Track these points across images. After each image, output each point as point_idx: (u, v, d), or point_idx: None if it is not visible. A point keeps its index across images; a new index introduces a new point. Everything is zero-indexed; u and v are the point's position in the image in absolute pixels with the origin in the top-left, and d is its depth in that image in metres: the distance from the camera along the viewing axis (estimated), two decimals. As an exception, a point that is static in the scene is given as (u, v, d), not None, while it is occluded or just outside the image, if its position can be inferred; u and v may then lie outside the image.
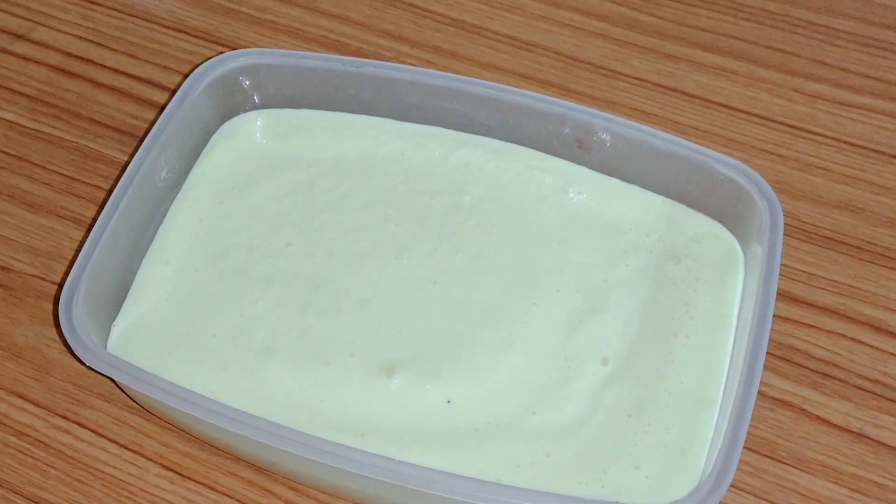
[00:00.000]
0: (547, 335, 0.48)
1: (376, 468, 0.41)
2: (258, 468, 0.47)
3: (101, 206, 0.47)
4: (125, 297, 0.49)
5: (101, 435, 0.48)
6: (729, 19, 0.63)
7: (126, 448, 0.48)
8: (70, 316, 0.44)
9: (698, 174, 0.50)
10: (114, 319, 0.48)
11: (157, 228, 0.50)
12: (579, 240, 0.51)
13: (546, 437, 0.45)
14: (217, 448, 0.47)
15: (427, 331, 0.48)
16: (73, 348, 0.43)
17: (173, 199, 0.51)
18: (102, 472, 0.47)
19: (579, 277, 0.49)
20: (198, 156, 0.53)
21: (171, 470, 0.47)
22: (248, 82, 0.53)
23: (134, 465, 0.47)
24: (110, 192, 0.48)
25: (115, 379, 0.44)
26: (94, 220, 0.47)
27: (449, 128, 0.54)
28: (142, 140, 0.50)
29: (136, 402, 0.48)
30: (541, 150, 0.53)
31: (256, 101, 0.54)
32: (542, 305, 0.49)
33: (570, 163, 0.53)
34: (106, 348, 0.47)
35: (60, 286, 0.45)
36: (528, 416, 0.46)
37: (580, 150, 0.52)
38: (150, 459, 0.47)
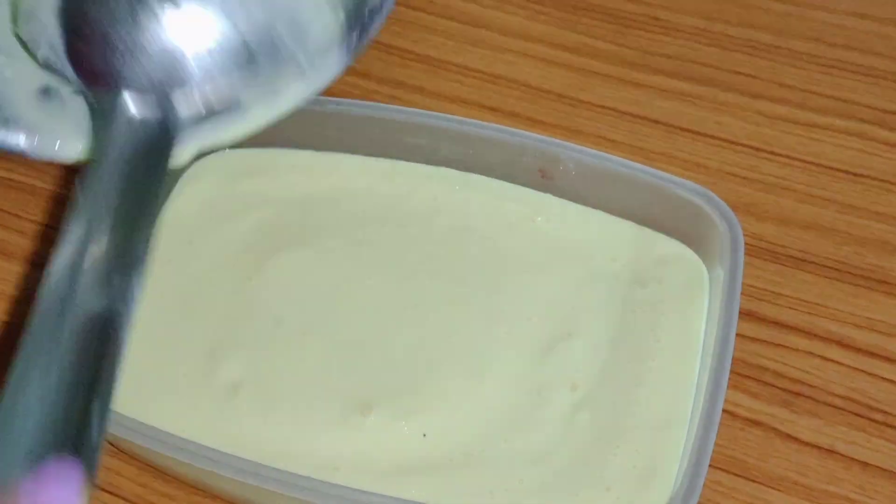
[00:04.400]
0: (519, 363, 0.48)
1: (350, 501, 0.41)
2: (235, 505, 0.47)
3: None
4: (96, 340, 0.49)
5: (77, 478, 0.48)
6: (692, 45, 0.64)
7: (103, 490, 0.48)
8: (40, 361, 0.44)
9: (661, 199, 0.50)
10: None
11: (127, 271, 0.51)
12: (548, 267, 0.51)
13: (518, 464, 0.46)
14: (193, 486, 0.47)
15: (401, 364, 0.48)
16: (43, 392, 0.44)
17: (142, 242, 0.52)
18: (79, 514, 0.47)
19: (549, 304, 0.50)
20: (166, 198, 0.53)
21: (148, 510, 0.47)
22: (212, 124, 0.54)
23: (110, 506, 0.47)
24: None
25: (87, 421, 0.44)
26: (63, 265, 0.47)
27: (415, 161, 0.54)
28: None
29: (111, 444, 0.48)
30: (507, 180, 0.53)
31: (223, 142, 0.55)
32: (514, 333, 0.49)
33: (536, 191, 0.53)
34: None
35: (32, 332, 0.45)
36: (501, 444, 0.46)
37: (543, 179, 0.52)
38: (128, 500, 0.47)
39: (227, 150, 0.55)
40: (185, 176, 0.54)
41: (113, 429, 0.43)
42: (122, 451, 0.48)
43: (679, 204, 0.50)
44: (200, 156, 0.54)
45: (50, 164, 0.58)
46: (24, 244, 0.55)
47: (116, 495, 0.48)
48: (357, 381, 0.47)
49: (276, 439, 0.46)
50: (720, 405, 0.43)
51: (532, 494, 0.45)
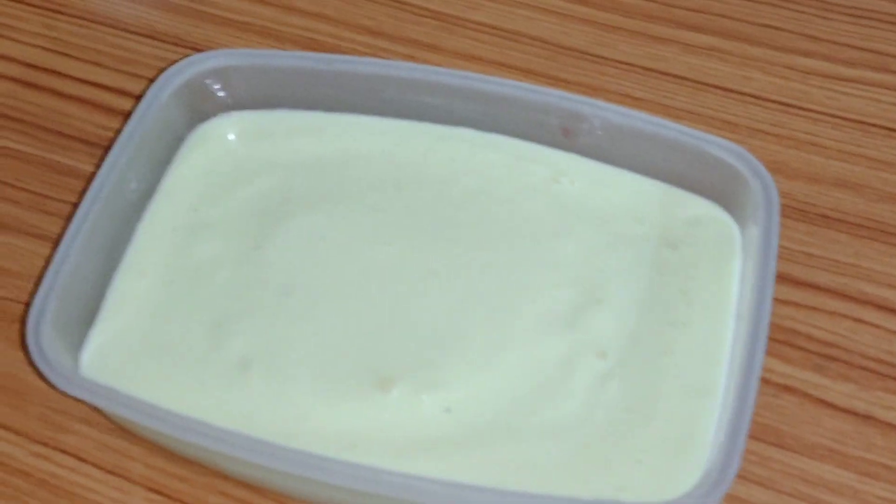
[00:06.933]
0: (544, 331, 0.46)
1: (369, 480, 0.40)
2: (249, 485, 0.45)
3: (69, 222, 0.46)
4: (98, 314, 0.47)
5: (83, 460, 0.46)
6: (717, -3, 0.62)
7: (110, 473, 0.46)
8: (39, 339, 0.42)
9: (690, 157, 0.49)
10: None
11: (129, 241, 0.49)
12: (574, 230, 0.49)
13: (546, 436, 0.44)
14: (205, 466, 0.46)
15: (420, 335, 0.46)
16: (44, 373, 0.42)
17: (145, 209, 0.50)
18: (86, 498, 0.45)
19: (575, 269, 0.48)
20: (169, 163, 0.51)
21: (158, 493, 0.45)
22: (217, 85, 0.52)
23: (119, 490, 0.45)
24: (77, 206, 0.47)
25: (90, 402, 0.43)
26: (61, 236, 0.46)
27: (432, 122, 0.52)
28: (108, 150, 0.48)
29: (117, 424, 0.47)
30: (529, 140, 0.52)
31: (228, 103, 0.53)
32: (539, 301, 0.47)
33: (560, 151, 0.51)
34: (79, 368, 0.45)
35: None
36: (528, 416, 0.44)
37: (566, 137, 0.50)
38: (137, 483, 0.46)
39: (233, 112, 0.53)
40: (189, 139, 0.52)
41: (119, 410, 0.42)
42: (130, 433, 0.46)
43: (710, 162, 0.48)
44: (203, 119, 0.52)
45: (47, 132, 0.57)
46: (18, 215, 0.54)
47: (126, 478, 0.46)
48: (374, 353, 0.46)
49: (290, 417, 0.44)
50: (757, 374, 0.42)
51: (560, 468, 0.43)
